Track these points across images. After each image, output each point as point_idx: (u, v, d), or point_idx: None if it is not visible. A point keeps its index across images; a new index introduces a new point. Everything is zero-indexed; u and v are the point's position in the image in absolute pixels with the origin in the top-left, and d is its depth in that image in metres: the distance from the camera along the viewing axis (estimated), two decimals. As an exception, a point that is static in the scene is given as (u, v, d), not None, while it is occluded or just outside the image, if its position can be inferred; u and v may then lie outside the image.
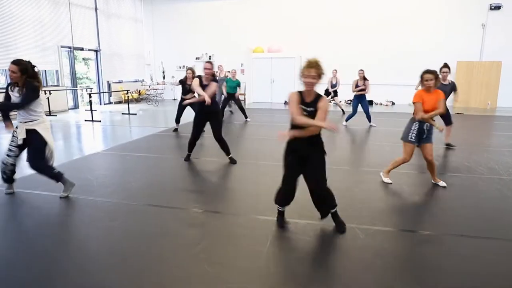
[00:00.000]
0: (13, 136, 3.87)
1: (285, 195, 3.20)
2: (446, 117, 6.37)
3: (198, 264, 2.64)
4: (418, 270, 2.63)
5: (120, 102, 14.39)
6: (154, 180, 4.70)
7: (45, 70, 11.45)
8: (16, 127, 3.84)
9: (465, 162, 5.47)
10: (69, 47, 12.28)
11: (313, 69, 2.83)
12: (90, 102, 10.31)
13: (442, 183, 4.40)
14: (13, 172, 3.97)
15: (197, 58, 15.47)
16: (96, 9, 13.46)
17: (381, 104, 13.99)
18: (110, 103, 14.49)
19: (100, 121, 9.83)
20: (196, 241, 2.99)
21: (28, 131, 3.77)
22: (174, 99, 16.20)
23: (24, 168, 5.27)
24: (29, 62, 3.74)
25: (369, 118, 8.82)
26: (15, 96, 3.73)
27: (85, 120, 9.94)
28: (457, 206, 3.83)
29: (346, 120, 8.97)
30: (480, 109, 12.68)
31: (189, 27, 15.66)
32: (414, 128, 4.23)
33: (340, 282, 2.46)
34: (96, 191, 4.20)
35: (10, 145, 3.87)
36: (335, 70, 11.10)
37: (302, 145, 2.99)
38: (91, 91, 11.76)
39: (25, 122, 3.76)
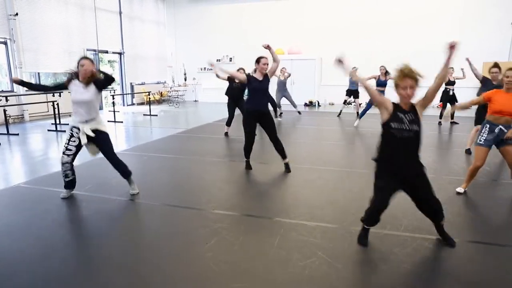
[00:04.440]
0: (72, 136, 3.88)
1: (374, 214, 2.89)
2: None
3: (205, 263, 2.70)
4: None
5: (142, 104, 14.74)
6: (171, 180, 4.81)
7: (72, 73, 11.84)
8: (75, 127, 3.86)
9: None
10: (94, 50, 12.69)
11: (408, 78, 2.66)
12: (113, 103, 10.63)
13: None
14: (74, 172, 3.97)
15: (218, 60, 15.64)
16: (120, 12, 13.86)
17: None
18: (133, 104, 14.86)
19: (122, 122, 10.11)
20: (205, 240, 3.05)
21: (92, 131, 3.85)
22: (195, 101, 16.44)
23: (51, 167, 5.48)
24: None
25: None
26: (78, 92, 3.74)
27: (108, 121, 10.22)
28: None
29: (360, 117, 9.15)
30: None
31: (210, 29, 15.87)
32: (484, 129, 3.82)
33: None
34: (114, 190, 4.33)
35: (69, 144, 3.87)
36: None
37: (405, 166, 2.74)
38: (114, 92, 12.09)
39: (89, 121, 3.83)
